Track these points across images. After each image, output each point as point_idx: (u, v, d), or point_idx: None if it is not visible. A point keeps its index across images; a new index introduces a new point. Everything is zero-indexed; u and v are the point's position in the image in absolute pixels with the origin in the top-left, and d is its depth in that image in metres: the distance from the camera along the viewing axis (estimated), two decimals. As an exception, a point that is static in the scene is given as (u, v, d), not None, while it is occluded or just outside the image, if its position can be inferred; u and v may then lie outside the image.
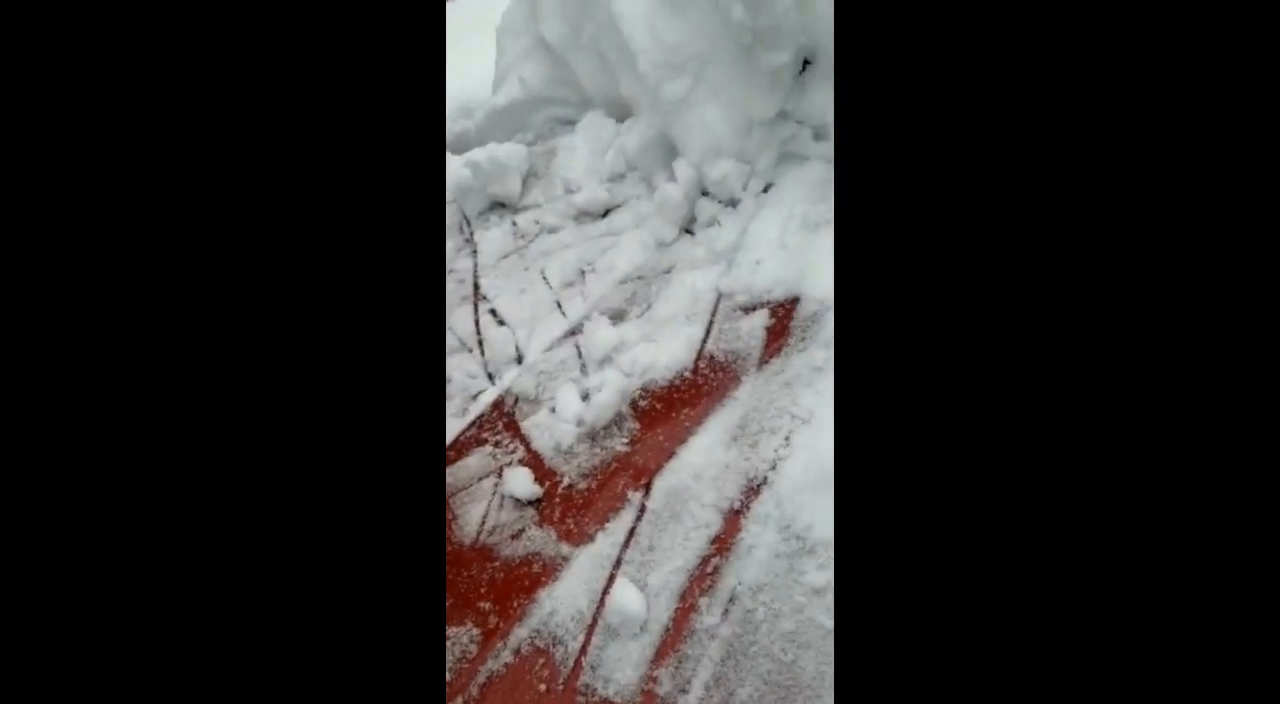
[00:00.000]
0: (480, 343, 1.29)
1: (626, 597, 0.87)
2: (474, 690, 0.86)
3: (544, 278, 1.36)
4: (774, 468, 0.96)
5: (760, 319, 1.16)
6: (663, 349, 1.14)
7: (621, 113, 1.65)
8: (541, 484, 1.03)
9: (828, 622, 0.82)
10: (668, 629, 0.86)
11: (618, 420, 1.06)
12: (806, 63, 1.31)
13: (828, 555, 0.86)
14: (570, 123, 1.74)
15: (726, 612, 0.85)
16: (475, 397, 1.20)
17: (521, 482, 1.02)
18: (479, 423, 1.16)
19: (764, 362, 1.10)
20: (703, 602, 0.87)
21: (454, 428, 1.16)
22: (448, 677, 0.87)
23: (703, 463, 0.98)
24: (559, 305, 1.30)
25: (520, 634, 0.90)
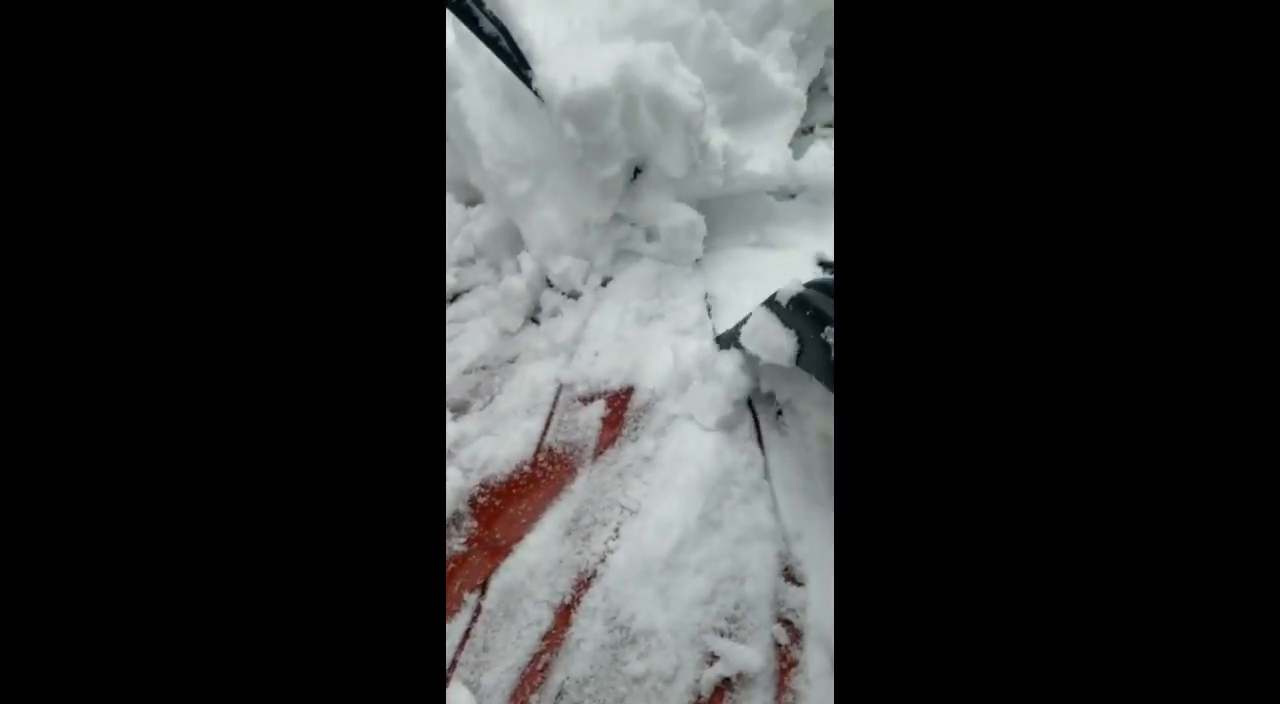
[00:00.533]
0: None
1: (458, 700, 0.90)
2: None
3: (388, 367, 1.37)
4: (603, 560, 1.03)
5: (597, 410, 1.25)
6: (503, 443, 1.19)
7: (471, 197, 1.71)
8: (378, 589, 1.03)
9: (646, 709, 0.89)
10: (500, 730, 0.89)
11: (456, 520, 1.09)
12: (638, 171, 1.45)
13: (648, 644, 0.94)
14: (421, 203, 1.77)
15: (555, 707, 0.90)
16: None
17: (357, 588, 1.02)
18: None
19: (599, 452, 1.19)
20: (533, 699, 0.91)
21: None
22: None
23: (537, 559, 1.04)
24: (403, 396, 1.32)
25: (351, 750, 0.89)
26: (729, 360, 1.18)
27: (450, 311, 1.51)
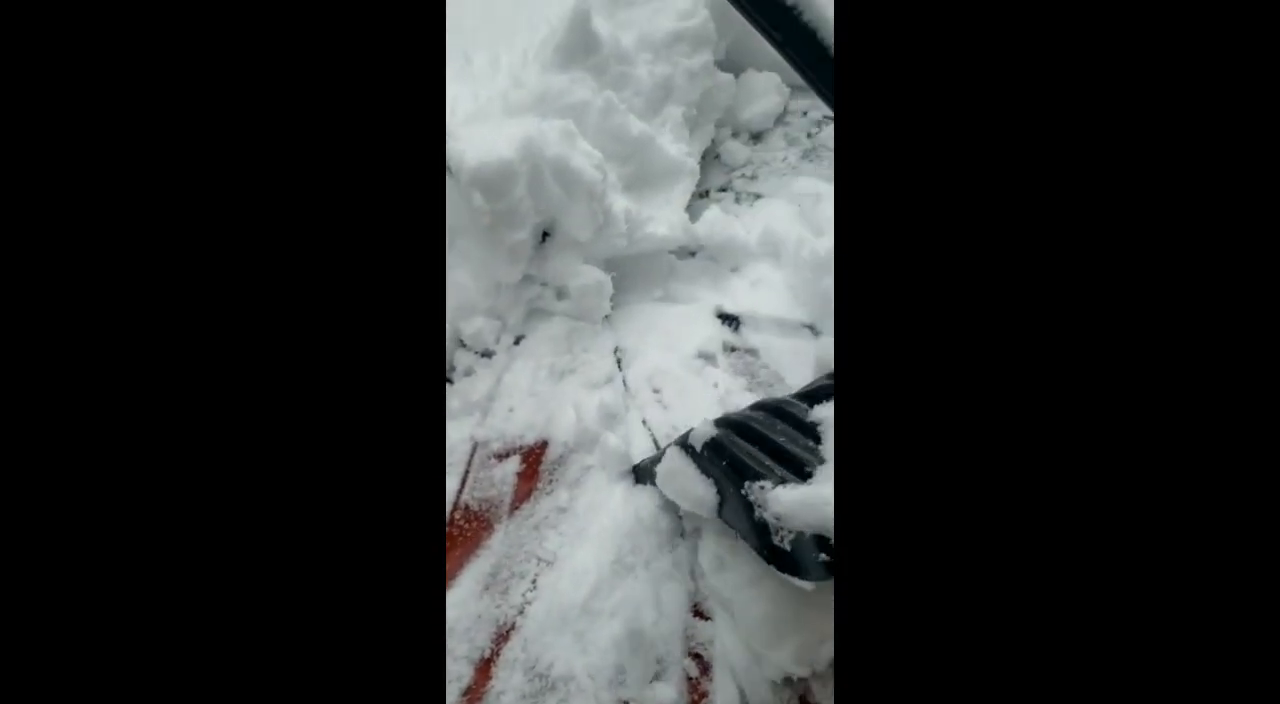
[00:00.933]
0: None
1: (379, 768, 0.90)
2: None
3: (299, 433, 1.37)
4: (521, 612, 1.06)
5: (512, 465, 1.29)
6: (419, 503, 1.21)
7: (383, 261, 1.74)
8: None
9: (567, 755, 0.92)
10: (421, 794, 0.89)
11: (372, 583, 1.09)
12: (546, 234, 1.54)
13: (567, 690, 0.97)
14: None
15: (477, 763, 0.91)
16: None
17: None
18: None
19: (515, 507, 1.22)
20: (455, 758, 0.92)
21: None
22: None
23: (456, 616, 1.05)
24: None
25: None
26: (648, 498, 1.12)
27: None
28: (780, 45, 0.75)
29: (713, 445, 0.94)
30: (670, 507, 1.10)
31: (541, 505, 1.21)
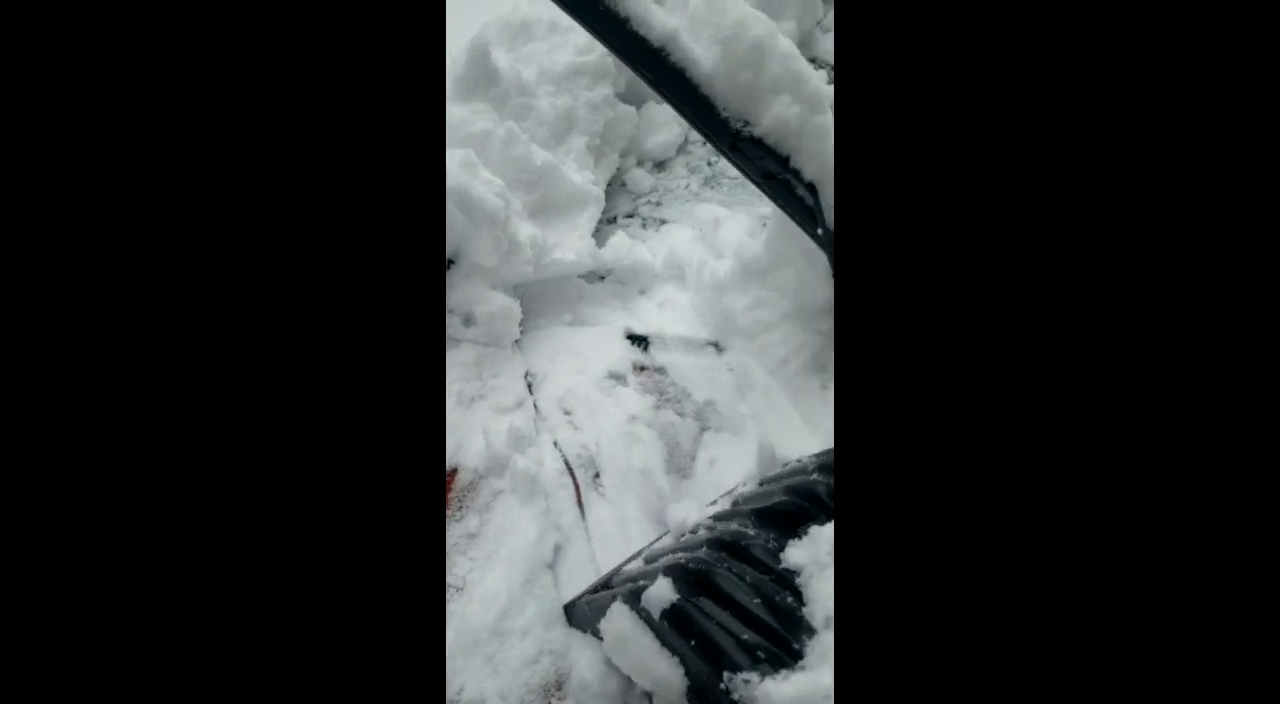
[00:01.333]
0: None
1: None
2: None
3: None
4: (431, 640, 1.05)
5: (422, 493, 1.28)
6: (323, 538, 1.18)
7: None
8: None
9: (478, 780, 0.91)
10: None
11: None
12: (451, 262, 1.55)
13: (478, 715, 0.97)
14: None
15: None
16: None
17: None
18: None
19: (424, 535, 1.21)
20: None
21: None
22: None
23: (362, 650, 1.03)
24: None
25: None
26: (591, 652, 0.92)
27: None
28: (654, 84, 0.81)
29: (674, 615, 0.76)
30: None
31: (452, 532, 1.21)
